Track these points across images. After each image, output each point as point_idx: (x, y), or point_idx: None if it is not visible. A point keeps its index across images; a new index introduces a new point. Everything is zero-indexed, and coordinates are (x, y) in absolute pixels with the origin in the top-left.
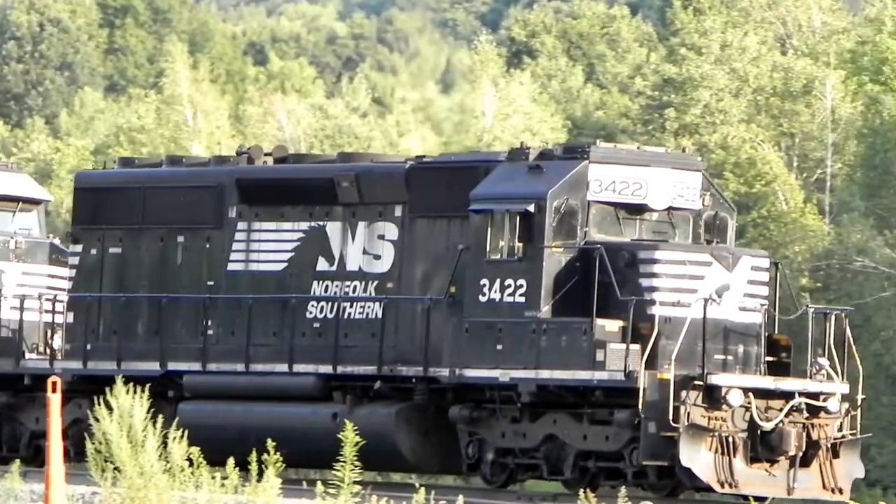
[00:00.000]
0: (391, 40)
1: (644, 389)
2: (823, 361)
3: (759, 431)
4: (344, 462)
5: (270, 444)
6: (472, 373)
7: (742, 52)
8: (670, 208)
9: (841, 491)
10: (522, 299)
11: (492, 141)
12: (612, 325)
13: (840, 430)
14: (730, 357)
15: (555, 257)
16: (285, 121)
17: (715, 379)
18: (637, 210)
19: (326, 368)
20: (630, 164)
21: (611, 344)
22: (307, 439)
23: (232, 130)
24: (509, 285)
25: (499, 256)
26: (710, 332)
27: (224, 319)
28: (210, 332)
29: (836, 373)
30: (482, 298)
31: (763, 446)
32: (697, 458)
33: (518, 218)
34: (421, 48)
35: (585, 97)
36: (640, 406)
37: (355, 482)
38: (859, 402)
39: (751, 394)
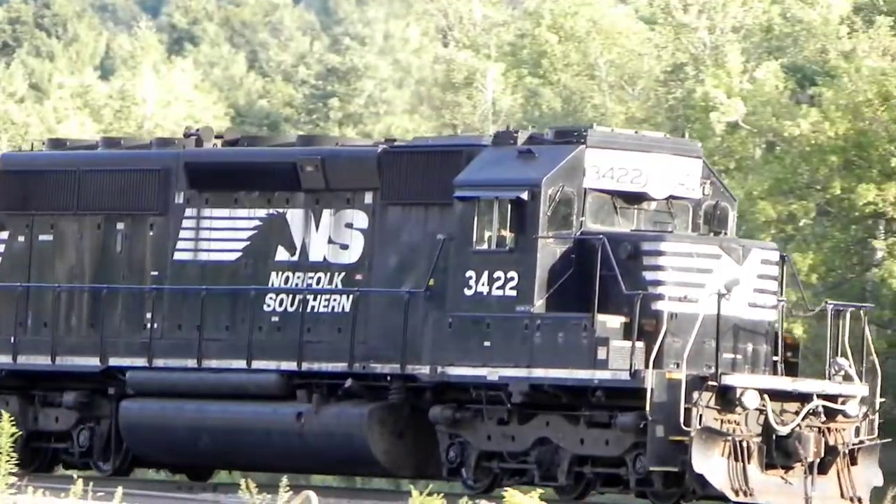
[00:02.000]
0: (49, 25)
1: (652, 390)
2: (843, 362)
3: (774, 436)
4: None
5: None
6: (455, 371)
7: (405, 43)
8: (670, 197)
9: (860, 500)
10: (514, 293)
11: (154, 128)
12: (613, 322)
13: (857, 434)
14: (739, 356)
15: (549, 248)
16: None
17: (729, 379)
18: (636, 199)
19: (289, 365)
20: (629, 149)
21: (613, 341)
22: (269, 440)
23: None
24: (498, 278)
25: (486, 247)
26: (720, 329)
27: (170, 312)
28: (154, 325)
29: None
30: (468, 292)
31: (778, 452)
32: (711, 465)
33: (509, 206)
34: (80, 33)
35: (248, 85)
36: (647, 408)
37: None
38: (878, 406)
39: (766, 395)
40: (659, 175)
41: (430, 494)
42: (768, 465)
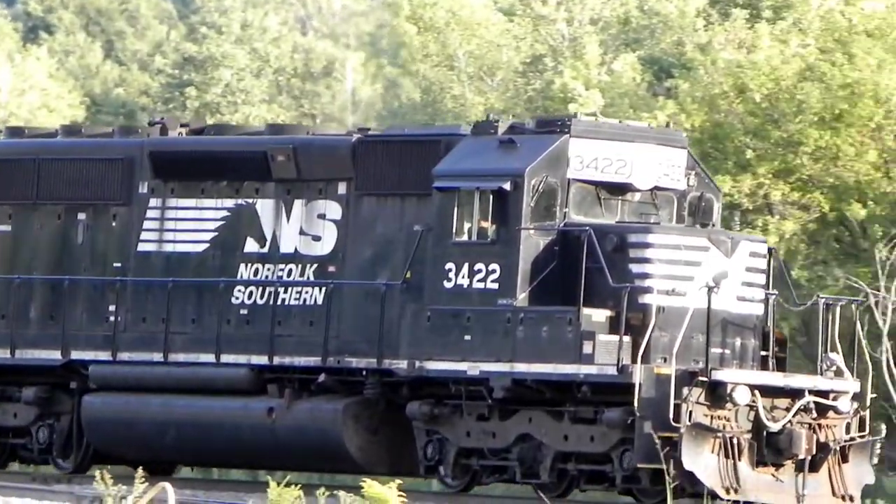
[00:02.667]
0: None
1: (639, 385)
2: (835, 357)
3: (765, 433)
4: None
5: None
6: (434, 365)
7: (263, 32)
8: (655, 188)
9: (851, 498)
10: (495, 285)
11: (7, 117)
12: (599, 315)
13: (848, 431)
14: (727, 351)
15: (532, 240)
16: None
17: (719, 375)
18: (620, 190)
19: (260, 359)
20: (613, 139)
21: (600, 335)
22: (239, 436)
23: None
24: (479, 270)
25: (467, 238)
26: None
27: (134, 304)
28: (118, 318)
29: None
30: (447, 284)
31: (769, 449)
32: (701, 462)
33: (491, 197)
34: None
35: (105, 74)
36: (634, 404)
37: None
38: (868, 402)
39: (757, 391)
40: (643, 165)
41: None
42: (759, 463)
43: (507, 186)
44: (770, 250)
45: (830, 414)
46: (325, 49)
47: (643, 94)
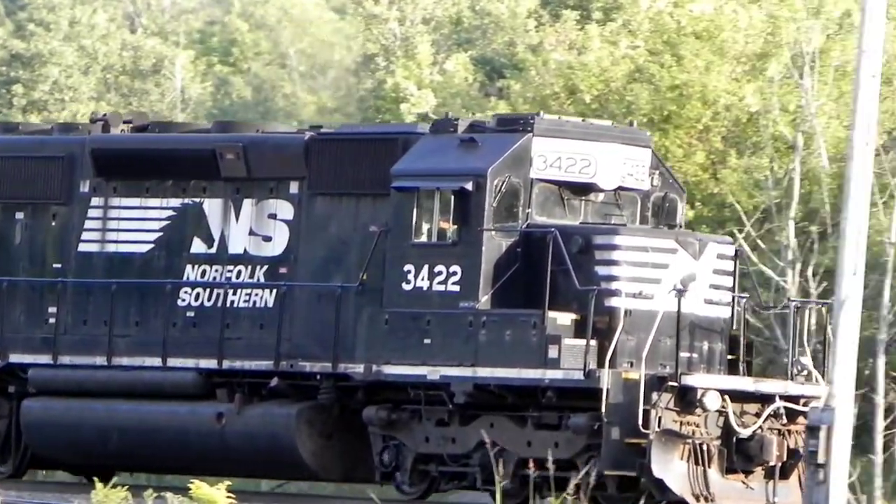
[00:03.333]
0: None
1: (607, 390)
2: (806, 361)
3: (734, 439)
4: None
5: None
6: (392, 370)
7: (91, 29)
8: (619, 188)
9: None
10: (456, 288)
11: None
12: (564, 318)
13: None
14: (695, 355)
15: (495, 241)
16: None
17: (689, 380)
18: (583, 190)
19: (209, 363)
20: (577, 138)
21: (565, 339)
22: (186, 442)
23: None
24: (440, 272)
25: (426, 239)
26: (674, 327)
27: (74, 306)
28: (58, 320)
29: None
30: (405, 286)
31: (738, 455)
32: (670, 469)
33: (452, 197)
34: None
35: None
36: (602, 409)
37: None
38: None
39: (727, 397)
40: (608, 165)
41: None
42: (728, 470)
43: (468, 186)
44: (736, 252)
45: (800, 420)
46: (154, 46)
47: (475, 95)
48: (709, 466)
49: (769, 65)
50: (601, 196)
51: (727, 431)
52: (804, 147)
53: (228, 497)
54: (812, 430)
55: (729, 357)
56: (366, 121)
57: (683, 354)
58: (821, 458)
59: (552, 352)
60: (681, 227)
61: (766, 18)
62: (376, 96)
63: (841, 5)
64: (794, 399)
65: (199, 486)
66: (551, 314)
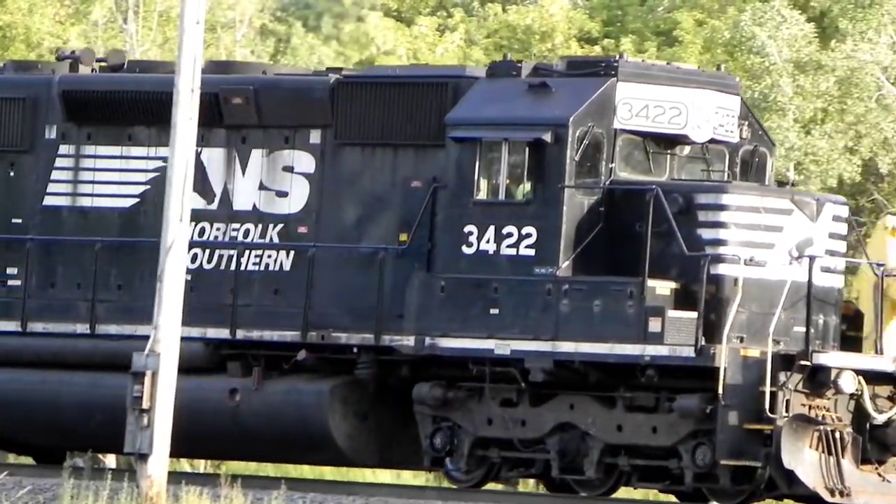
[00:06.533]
0: None
1: (724, 370)
2: None
3: (868, 425)
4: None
5: None
6: (450, 343)
7: None
8: (710, 140)
9: None
10: (530, 252)
11: None
12: (663, 288)
13: None
14: (812, 330)
15: (576, 200)
16: None
17: (822, 358)
18: (671, 142)
19: (218, 332)
20: (665, 83)
21: (669, 311)
22: (190, 422)
23: None
24: (510, 234)
25: (491, 197)
26: (791, 298)
27: (39, 267)
28: (19, 282)
29: None
30: (467, 250)
31: (872, 444)
32: (802, 459)
33: (526, 149)
34: None
35: None
36: (719, 390)
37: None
38: None
39: (861, 378)
40: (699, 115)
41: None
42: (862, 460)
43: (546, 137)
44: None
45: None
46: None
47: None
48: (842, 456)
49: (93, 8)
50: (687, 149)
51: (859, 417)
52: None
53: None
54: None
55: (845, 332)
56: None
57: (798, 329)
58: (146, 404)
59: (654, 325)
60: (769, 183)
61: None
62: None
63: None
64: None
65: None
66: (650, 283)
